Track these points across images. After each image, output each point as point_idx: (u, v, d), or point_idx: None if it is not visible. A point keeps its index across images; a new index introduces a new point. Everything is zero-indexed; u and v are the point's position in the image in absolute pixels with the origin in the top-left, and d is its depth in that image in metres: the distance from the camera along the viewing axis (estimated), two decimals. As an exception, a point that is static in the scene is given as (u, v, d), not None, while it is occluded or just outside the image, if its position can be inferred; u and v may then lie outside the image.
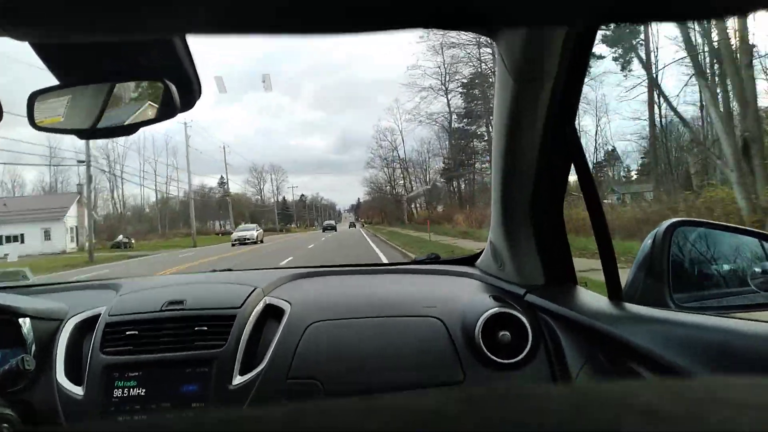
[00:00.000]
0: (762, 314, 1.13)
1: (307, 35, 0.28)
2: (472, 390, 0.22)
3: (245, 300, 1.43)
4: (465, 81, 38.50)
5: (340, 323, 1.38)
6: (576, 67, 0.96)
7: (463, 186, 41.98)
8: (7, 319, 1.36)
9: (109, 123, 0.76)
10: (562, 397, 0.21)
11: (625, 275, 1.16)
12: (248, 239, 31.01)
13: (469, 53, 36.31)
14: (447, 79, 39.28)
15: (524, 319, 1.29)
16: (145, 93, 0.75)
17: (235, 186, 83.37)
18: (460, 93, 39.47)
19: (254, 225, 37.16)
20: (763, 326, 0.78)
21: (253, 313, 1.41)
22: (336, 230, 51.12)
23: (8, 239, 36.54)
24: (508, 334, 1.29)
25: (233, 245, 29.37)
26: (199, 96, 0.76)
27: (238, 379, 1.28)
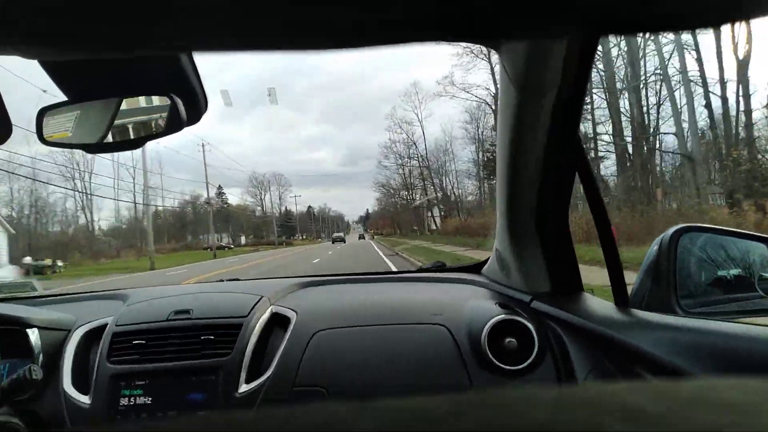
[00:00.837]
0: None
1: (313, 51, 0.28)
2: (458, 396, 0.22)
3: (251, 309, 1.43)
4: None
5: (346, 331, 1.38)
6: (579, 76, 0.97)
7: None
8: (16, 330, 1.37)
9: (117, 137, 0.77)
10: (546, 398, 0.21)
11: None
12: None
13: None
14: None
15: (530, 326, 1.29)
16: (151, 107, 0.76)
17: (235, 198, 78.79)
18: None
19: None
20: None
21: (260, 322, 1.41)
22: (345, 242, 49.46)
23: None
24: (514, 341, 1.28)
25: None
26: (205, 110, 0.76)
27: (244, 387, 1.28)
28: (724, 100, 17.11)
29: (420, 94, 50.35)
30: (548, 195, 1.22)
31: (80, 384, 1.34)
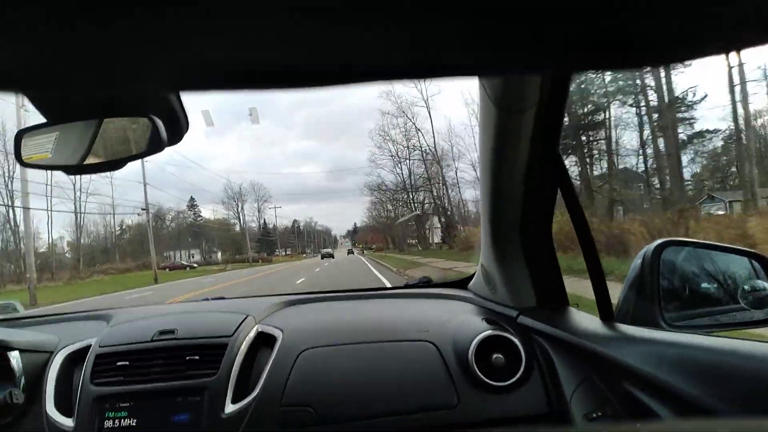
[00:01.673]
0: (753, 332, 1.13)
1: (290, 89, 0.29)
2: None
3: (237, 328, 1.42)
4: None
5: (333, 349, 1.37)
6: (558, 94, 0.98)
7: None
8: None
9: (97, 159, 0.77)
10: None
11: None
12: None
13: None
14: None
15: (517, 342, 1.29)
16: (132, 128, 0.76)
17: (209, 212, 70.40)
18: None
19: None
20: (754, 345, 0.78)
21: (245, 341, 1.40)
22: (333, 257, 47.01)
23: None
24: (501, 356, 1.28)
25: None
26: (186, 130, 0.76)
27: (230, 408, 1.27)
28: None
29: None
30: (531, 210, 1.24)
31: (63, 407, 1.32)
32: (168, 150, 0.77)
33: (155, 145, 0.73)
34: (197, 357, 1.33)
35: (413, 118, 35.04)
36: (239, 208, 68.18)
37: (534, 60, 0.27)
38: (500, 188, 1.23)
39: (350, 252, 63.27)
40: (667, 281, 1.17)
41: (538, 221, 1.26)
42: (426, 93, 33.03)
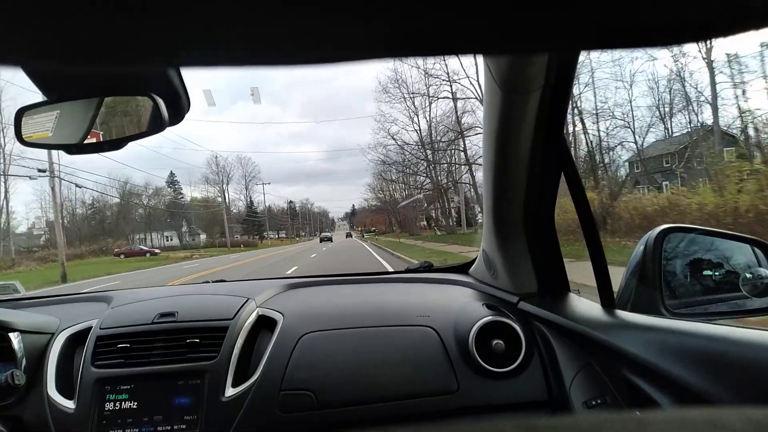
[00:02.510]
0: (754, 320, 1.13)
1: (297, 67, 0.28)
2: (452, 427, 0.22)
3: (237, 311, 1.42)
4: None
5: (333, 333, 1.38)
6: (564, 77, 0.97)
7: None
8: None
9: (97, 138, 0.76)
10: (541, 429, 0.21)
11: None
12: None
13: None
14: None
15: (517, 328, 1.29)
16: (133, 107, 0.75)
17: (198, 192, 63.47)
18: None
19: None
20: (754, 333, 0.78)
21: (246, 325, 1.40)
22: (332, 241, 45.45)
23: None
24: (501, 342, 1.29)
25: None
26: (188, 110, 0.75)
27: (230, 391, 1.27)
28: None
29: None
30: (534, 195, 1.23)
31: (64, 388, 1.32)
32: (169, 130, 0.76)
33: (156, 125, 0.72)
34: (198, 340, 1.33)
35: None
36: (224, 185, 60.66)
37: (540, 38, 0.27)
38: (504, 173, 1.22)
39: (348, 235, 61.12)
40: (668, 268, 1.17)
41: (541, 207, 1.25)
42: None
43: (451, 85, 26.27)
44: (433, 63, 25.61)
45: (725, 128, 14.72)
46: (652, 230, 1.18)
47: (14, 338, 1.35)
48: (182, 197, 59.71)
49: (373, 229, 62.58)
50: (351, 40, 0.26)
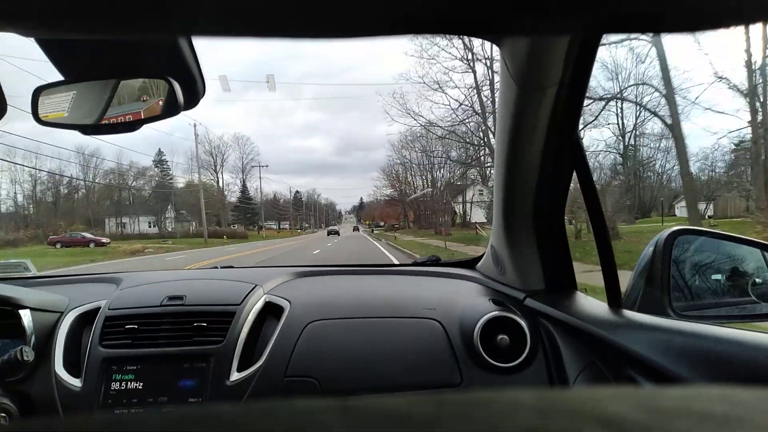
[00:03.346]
0: (762, 325, 1.12)
1: (312, 39, 0.28)
2: (441, 397, 0.22)
3: (245, 297, 1.43)
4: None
5: (339, 323, 1.38)
6: (579, 74, 0.96)
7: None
8: (8, 311, 1.37)
9: (113, 119, 0.76)
10: (529, 402, 0.21)
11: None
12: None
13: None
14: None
15: (523, 324, 1.29)
16: (149, 90, 0.75)
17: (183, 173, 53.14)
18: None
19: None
20: (761, 336, 0.78)
21: (253, 311, 1.41)
22: (339, 234, 43.28)
23: None
24: (506, 337, 1.29)
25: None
26: (203, 94, 0.76)
27: (235, 376, 1.28)
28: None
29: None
30: (545, 193, 1.22)
31: (72, 367, 1.34)
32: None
33: (172, 108, 0.73)
34: (205, 324, 1.34)
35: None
36: (216, 166, 52.26)
37: (565, 17, 0.26)
38: (515, 169, 1.22)
39: (356, 228, 58.20)
40: (677, 270, 1.16)
41: (552, 205, 1.25)
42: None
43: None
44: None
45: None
46: (662, 232, 1.17)
47: (24, 315, 1.37)
48: (170, 178, 50.20)
49: (382, 223, 56.53)
50: (367, 15, 0.26)
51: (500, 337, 1.29)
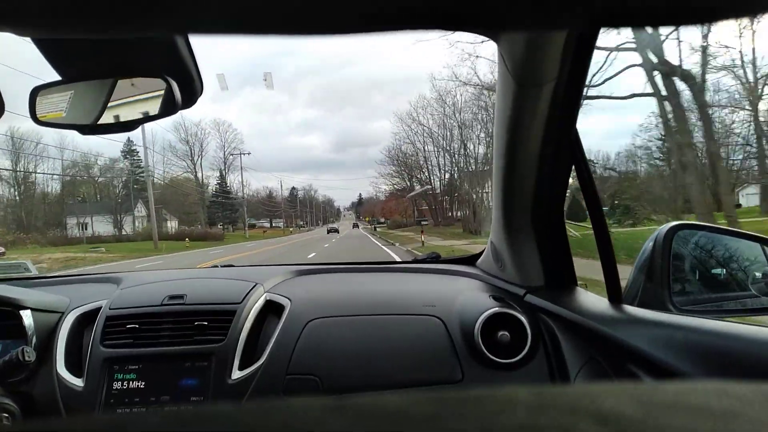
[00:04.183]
0: (762, 318, 1.12)
1: (309, 36, 0.28)
2: (439, 394, 0.22)
3: (246, 295, 1.43)
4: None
5: (340, 320, 1.39)
6: (577, 70, 0.96)
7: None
8: (9, 311, 1.37)
9: (111, 119, 0.76)
10: (526, 398, 0.21)
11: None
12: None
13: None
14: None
15: (524, 320, 1.30)
16: (147, 89, 0.75)
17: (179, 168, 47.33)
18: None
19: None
20: (763, 330, 0.78)
21: (254, 309, 1.41)
22: (339, 232, 40.69)
23: None
24: (507, 334, 1.29)
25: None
26: (201, 93, 0.76)
27: (237, 374, 1.29)
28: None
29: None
30: (544, 188, 1.22)
31: (73, 367, 1.35)
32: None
33: (169, 107, 0.73)
34: (206, 323, 1.35)
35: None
36: (194, 156, 45.50)
37: (562, 11, 0.26)
38: (514, 164, 1.22)
39: (355, 225, 55.83)
40: (677, 265, 1.16)
41: (551, 200, 1.25)
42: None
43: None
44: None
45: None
46: (662, 226, 1.17)
47: (25, 316, 1.37)
48: (141, 171, 42.17)
49: (383, 220, 50.42)
50: (363, 11, 0.26)
51: (501, 333, 1.29)
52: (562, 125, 1.08)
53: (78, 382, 1.31)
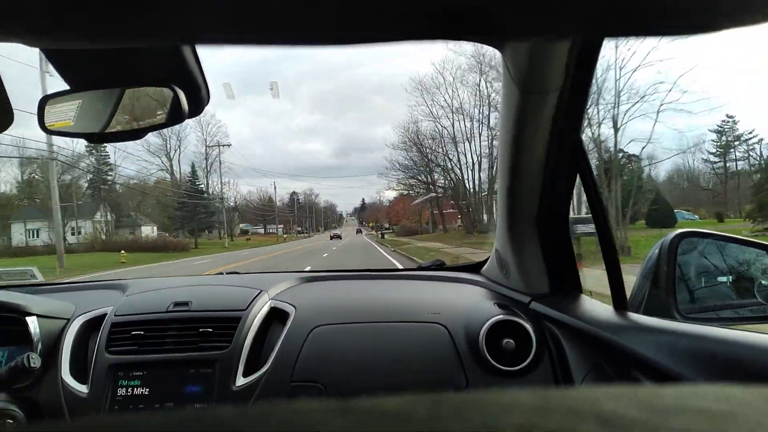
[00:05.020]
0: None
1: (313, 47, 0.28)
2: (438, 396, 0.22)
3: (250, 303, 1.44)
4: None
5: (344, 327, 1.39)
6: (581, 78, 0.97)
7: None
8: (15, 318, 1.38)
9: (118, 127, 0.77)
10: (526, 401, 0.21)
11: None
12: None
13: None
14: None
15: (528, 327, 1.29)
16: (154, 98, 0.76)
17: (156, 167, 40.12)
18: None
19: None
20: (767, 338, 0.77)
21: (258, 316, 1.41)
22: (341, 238, 38.55)
23: None
24: (512, 341, 1.28)
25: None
26: (207, 102, 0.76)
27: (241, 381, 1.29)
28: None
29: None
30: (549, 196, 1.22)
31: (78, 373, 1.35)
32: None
33: (176, 116, 0.73)
34: (210, 329, 1.35)
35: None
36: (170, 151, 39.84)
37: (563, 23, 0.26)
38: (519, 172, 1.22)
39: (358, 231, 54.45)
40: (682, 272, 1.16)
41: (556, 208, 1.25)
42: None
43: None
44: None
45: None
46: (667, 234, 1.17)
47: (31, 322, 1.38)
48: (108, 167, 37.65)
49: (388, 226, 44.60)
50: (367, 22, 0.26)
51: (506, 340, 1.29)
52: (566, 133, 1.09)
53: (83, 389, 1.31)
